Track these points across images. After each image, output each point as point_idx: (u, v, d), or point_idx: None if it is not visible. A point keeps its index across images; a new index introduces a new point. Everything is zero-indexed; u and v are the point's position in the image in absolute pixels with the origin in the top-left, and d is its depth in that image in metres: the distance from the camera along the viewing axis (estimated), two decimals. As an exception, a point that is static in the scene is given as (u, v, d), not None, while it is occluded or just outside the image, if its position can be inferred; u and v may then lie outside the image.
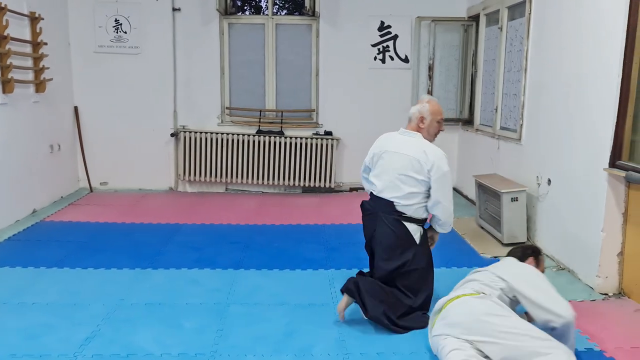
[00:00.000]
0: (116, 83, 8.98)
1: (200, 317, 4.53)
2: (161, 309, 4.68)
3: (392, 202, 4.53)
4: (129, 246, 6.29)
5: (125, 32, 8.88)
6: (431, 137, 4.64)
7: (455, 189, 9.44)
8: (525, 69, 6.68)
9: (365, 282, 4.48)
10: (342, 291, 4.47)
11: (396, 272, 4.54)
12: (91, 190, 9.05)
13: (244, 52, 9.20)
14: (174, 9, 8.87)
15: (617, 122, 4.90)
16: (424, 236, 4.65)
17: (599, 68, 5.15)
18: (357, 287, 4.42)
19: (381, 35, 9.05)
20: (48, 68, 7.83)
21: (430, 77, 9.01)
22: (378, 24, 9.02)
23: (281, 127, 9.12)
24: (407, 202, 4.49)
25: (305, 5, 9.19)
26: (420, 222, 4.59)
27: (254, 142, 9.03)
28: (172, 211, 7.97)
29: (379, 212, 4.59)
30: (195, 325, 4.38)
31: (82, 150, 9.02)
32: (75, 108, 8.94)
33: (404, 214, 4.52)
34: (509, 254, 4.43)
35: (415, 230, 4.56)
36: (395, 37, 9.06)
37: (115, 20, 8.83)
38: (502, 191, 6.34)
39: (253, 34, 9.16)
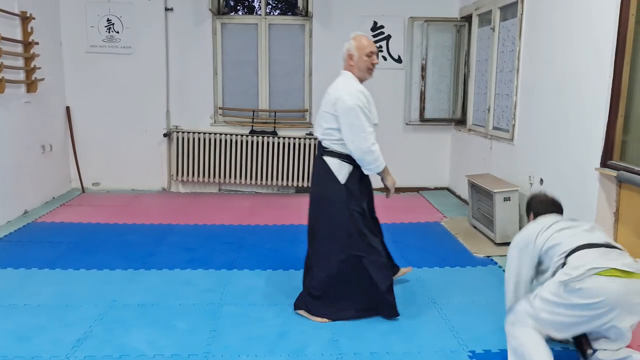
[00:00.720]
0: (108, 83, 8.96)
1: (193, 317, 4.54)
2: (154, 309, 4.68)
3: (320, 140, 4.56)
4: (122, 247, 6.28)
5: (118, 32, 8.86)
6: (364, 72, 4.53)
7: (448, 189, 9.46)
8: (518, 69, 6.70)
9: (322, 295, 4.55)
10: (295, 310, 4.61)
11: (318, 213, 4.56)
12: (83, 191, 9.03)
13: (237, 52, 9.20)
14: (166, 9, 8.86)
15: (608, 122, 4.93)
16: (355, 181, 4.50)
17: (590, 68, 5.18)
18: (302, 298, 4.60)
19: (374, 36, 9.05)
20: (39, 68, 7.82)
21: (423, 77, 9.02)
22: (371, 24, 9.03)
23: (274, 127, 9.11)
24: (328, 137, 4.47)
25: (298, 5, 9.20)
26: (343, 157, 4.45)
27: (247, 142, 9.03)
28: (164, 212, 7.96)
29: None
30: (189, 326, 4.38)
31: (74, 151, 9.00)
32: (67, 108, 8.92)
33: (327, 149, 4.49)
34: (553, 210, 4.21)
35: (337, 167, 4.45)
36: (388, 38, 9.08)
37: (108, 20, 8.82)
38: (495, 191, 6.36)
39: (246, 34, 9.16)
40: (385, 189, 4.67)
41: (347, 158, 4.44)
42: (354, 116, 4.31)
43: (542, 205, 4.24)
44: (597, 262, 3.40)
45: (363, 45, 4.48)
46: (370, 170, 4.45)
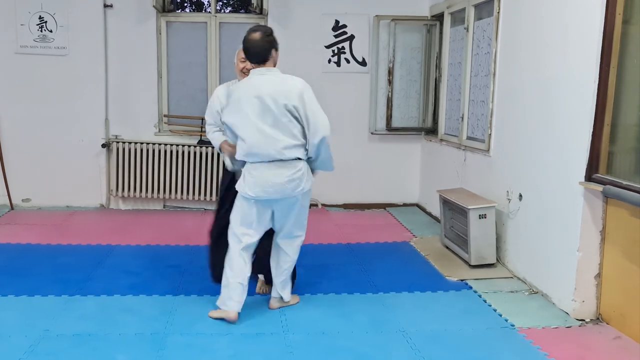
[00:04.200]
0: (40, 88, 8.83)
1: (135, 349, 4.46)
2: (91, 340, 4.59)
3: None
4: (55, 270, 6.17)
5: (51, 31, 8.75)
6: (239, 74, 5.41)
7: (417, 205, 9.49)
8: (494, 74, 6.75)
9: None
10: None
11: None
12: (12, 208, 8.89)
13: (184, 54, 9.15)
14: (105, 6, 8.78)
15: (593, 132, 4.95)
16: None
17: (574, 72, 5.21)
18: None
19: (336, 36, 9.08)
20: (-38, 70, 7.69)
21: (390, 82, 9.06)
22: (332, 23, 9.06)
23: (226, 137, 9.07)
24: None
25: (252, 2, 9.19)
26: None
27: (194, 153, 8.97)
28: (103, 231, 7.84)
29: None
30: (130, 359, 4.31)
31: (2, 163, 8.84)
32: (-7, 115, 8.81)
33: None
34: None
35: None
36: (351, 38, 9.11)
37: (40, 17, 8.71)
38: (469, 207, 6.38)
39: (194, 33, 9.12)
40: None
41: None
42: None
43: None
44: None
45: (238, 54, 5.37)
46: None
